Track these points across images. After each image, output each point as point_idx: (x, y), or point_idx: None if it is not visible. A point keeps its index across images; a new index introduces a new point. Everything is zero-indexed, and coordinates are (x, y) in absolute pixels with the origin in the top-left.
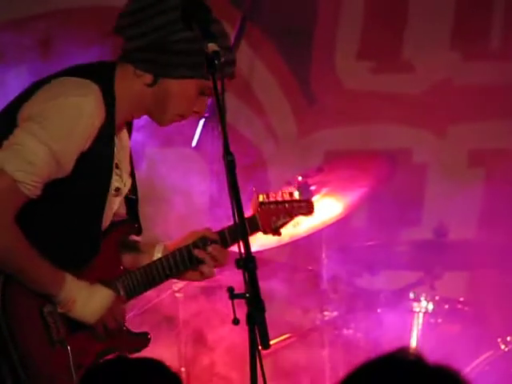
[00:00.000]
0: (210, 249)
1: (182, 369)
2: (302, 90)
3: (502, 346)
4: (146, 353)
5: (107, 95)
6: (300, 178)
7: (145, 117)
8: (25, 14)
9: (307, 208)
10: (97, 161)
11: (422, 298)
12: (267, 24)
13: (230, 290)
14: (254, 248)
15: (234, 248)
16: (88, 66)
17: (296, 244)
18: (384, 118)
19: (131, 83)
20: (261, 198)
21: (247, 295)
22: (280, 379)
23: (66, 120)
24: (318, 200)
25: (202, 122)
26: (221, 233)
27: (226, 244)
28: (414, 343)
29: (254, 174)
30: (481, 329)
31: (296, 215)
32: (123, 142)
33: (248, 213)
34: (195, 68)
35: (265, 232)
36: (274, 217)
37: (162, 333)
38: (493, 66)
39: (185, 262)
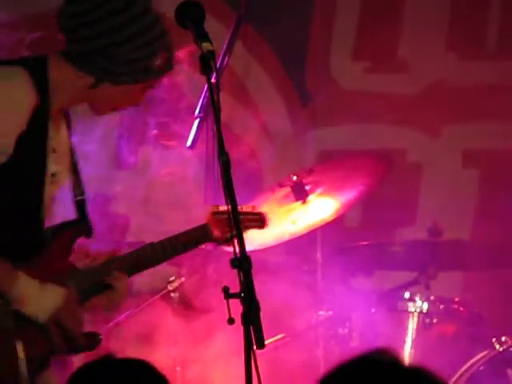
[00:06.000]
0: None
1: (178, 368)
2: (296, 89)
3: (497, 346)
4: (142, 352)
5: (38, 81)
6: (295, 178)
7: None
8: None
9: (260, 221)
10: (31, 143)
11: (417, 298)
12: (262, 24)
13: (225, 289)
14: (248, 247)
15: (230, 247)
16: (19, 58)
17: (291, 244)
18: (379, 117)
19: (69, 80)
20: (214, 209)
21: (242, 295)
22: (275, 379)
23: None
24: (313, 199)
25: (196, 121)
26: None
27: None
28: (408, 343)
29: (248, 173)
30: (476, 329)
31: (248, 227)
32: (61, 134)
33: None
34: (138, 74)
35: (216, 241)
36: (226, 227)
37: (157, 332)
38: (488, 66)
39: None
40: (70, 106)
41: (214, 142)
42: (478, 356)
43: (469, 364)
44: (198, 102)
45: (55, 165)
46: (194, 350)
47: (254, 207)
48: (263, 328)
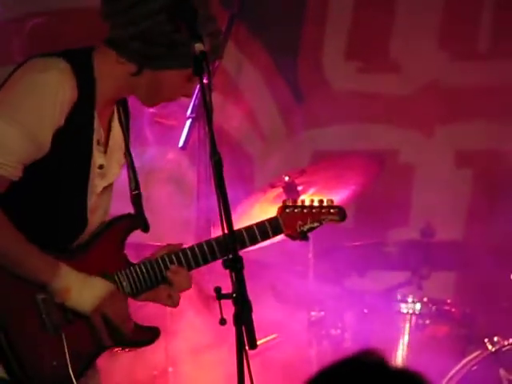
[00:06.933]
0: (172, 269)
1: (170, 369)
2: (289, 89)
3: (489, 347)
4: (133, 353)
5: (81, 72)
6: (287, 178)
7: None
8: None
9: (338, 214)
10: (75, 136)
11: (410, 300)
12: (255, 24)
13: (217, 290)
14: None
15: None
16: (62, 50)
17: (283, 244)
18: (371, 118)
19: (113, 67)
20: (286, 202)
21: (234, 295)
22: (267, 379)
23: (33, 97)
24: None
25: (188, 122)
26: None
27: (196, 263)
28: (401, 344)
29: (241, 173)
30: (468, 329)
31: (325, 220)
32: (113, 126)
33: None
34: (181, 59)
35: (289, 235)
36: (300, 221)
37: None
38: (481, 66)
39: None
40: (117, 96)
41: (206, 142)
42: (471, 356)
43: (461, 364)
44: (190, 102)
45: (101, 157)
46: (186, 350)
47: (332, 201)
48: (255, 328)
